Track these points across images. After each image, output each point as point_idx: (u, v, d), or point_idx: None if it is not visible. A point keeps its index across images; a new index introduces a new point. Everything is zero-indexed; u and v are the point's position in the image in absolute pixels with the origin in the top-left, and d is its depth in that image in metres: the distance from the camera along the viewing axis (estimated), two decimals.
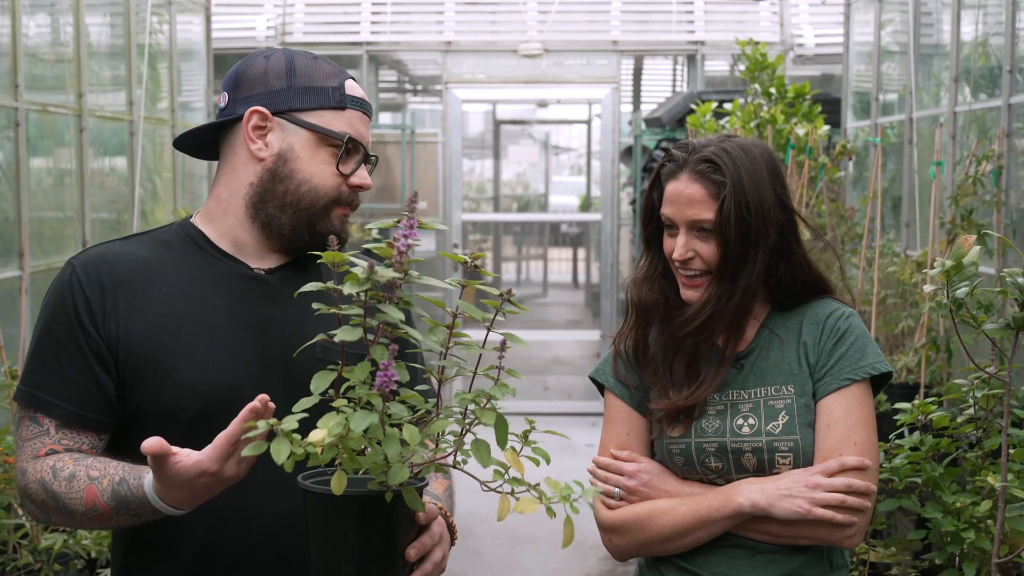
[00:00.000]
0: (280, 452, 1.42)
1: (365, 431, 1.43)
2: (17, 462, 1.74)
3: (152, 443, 1.49)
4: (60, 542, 3.47)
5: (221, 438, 1.51)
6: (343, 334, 1.47)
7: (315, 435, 1.44)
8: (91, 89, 5.70)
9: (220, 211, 1.85)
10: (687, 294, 1.99)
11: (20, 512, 3.58)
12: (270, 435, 1.45)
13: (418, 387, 1.59)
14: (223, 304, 1.79)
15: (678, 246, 1.97)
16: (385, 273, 1.48)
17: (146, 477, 1.59)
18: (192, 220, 1.88)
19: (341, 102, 1.81)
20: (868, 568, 3.27)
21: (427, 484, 1.60)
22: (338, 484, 1.46)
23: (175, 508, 1.59)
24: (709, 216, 1.94)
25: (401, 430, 1.47)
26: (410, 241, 1.49)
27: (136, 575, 1.81)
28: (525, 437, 1.55)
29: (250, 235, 1.84)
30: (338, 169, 1.81)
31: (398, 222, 1.51)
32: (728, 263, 1.94)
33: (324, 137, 1.81)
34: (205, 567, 1.76)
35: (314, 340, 1.57)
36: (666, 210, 1.99)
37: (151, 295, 1.77)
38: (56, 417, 1.72)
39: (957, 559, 2.69)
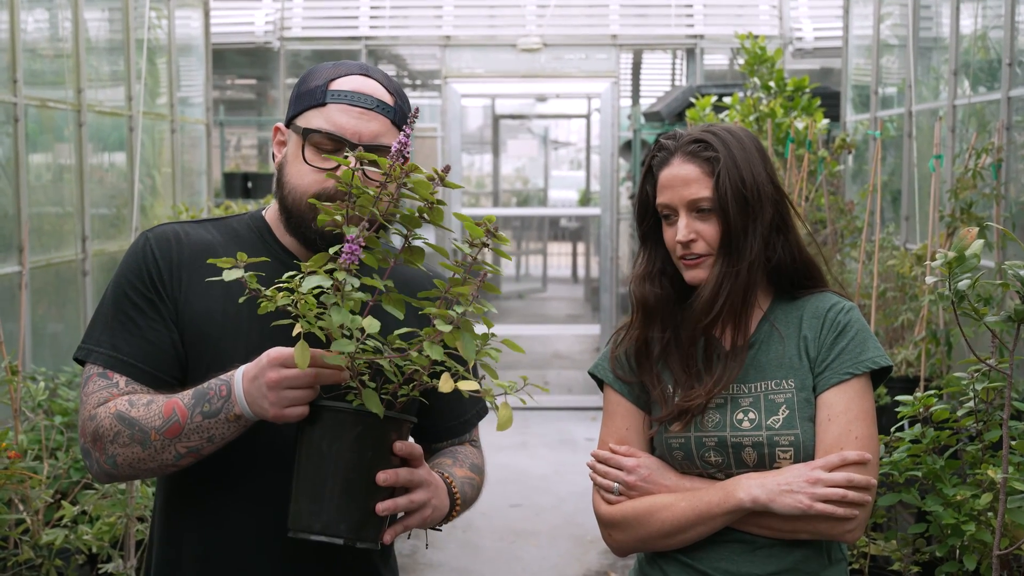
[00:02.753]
0: (231, 273, 1.55)
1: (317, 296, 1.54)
2: (84, 412, 1.79)
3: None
4: (61, 537, 3.47)
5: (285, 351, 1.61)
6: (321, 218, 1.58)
7: (271, 288, 1.56)
8: (90, 84, 5.69)
9: (274, 208, 1.93)
10: (692, 275, 1.99)
11: (20, 507, 3.59)
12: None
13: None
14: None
15: (680, 227, 1.97)
16: (366, 156, 1.58)
17: (241, 367, 1.69)
18: (263, 212, 1.96)
19: (321, 98, 1.82)
20: (869, 561, 3.28)
21: (407, 418, 1.67)
22: (300, 356, 1.53)
23: (245, 397, 1.66)
24: (707, 193, 1.95)
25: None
26: (402, 147, 1.56)
27: (174, 517, 1.89)
28: (484, 340, 1.63)
29: (293, 240, 1.90)
30: (306, 162, 1.81)
31: (429, 179, 1.60)
32: (730, 240, 1.94)
33: (300, 136, 1.83)
34: (222, 542, 1.84)
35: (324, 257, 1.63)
36: (662, 198, 2.00)
37: (212, 277, 1.83)
38: (130, 375, 1.79)
39: (958, 552, 2.69)
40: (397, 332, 1.65)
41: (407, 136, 1.57)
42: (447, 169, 1.60)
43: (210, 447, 1.72)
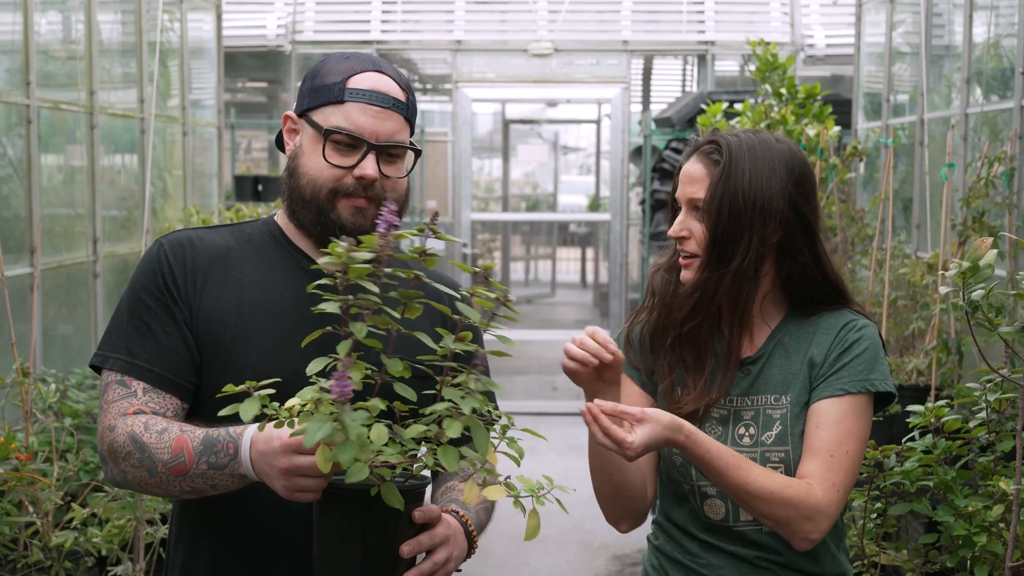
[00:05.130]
0: (247, 411, 1.49)
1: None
2: (103, 421, 1.80)
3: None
4: (71, 539, 3.47)
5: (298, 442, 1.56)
6: (325, 306, 1.51)
7: (291, 402, 1.50)
8: (102, 86, 5.71)
9: (285, 209, 1.94)
10: (682, 275, 2.00)
11: (30, 509, 3.59)
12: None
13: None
14: (291, 297, 1.86)
15: (675, 223, 2.00)
16: (360, 253, 1.52)
17: (252, 427, 1.67)
18: (275, 217, 1.97)
19: (340, 96, 1.85)
20: (879, 571, 3.26)
21: (424, 483, 1.64)
22: (323, 462, 1.49)
23: (250, 460, 1.65)
24: (703, 195, 1.95)
25: (370, 430, 1.50)
26: (390, 224, 1.54)
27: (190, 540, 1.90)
28: (503, 432, 1.59)
29: (298, 232, 1.92)
30: (325, 159, 1.83)
31: (419, 231, 1.57)
32: (715, 244, 1.93)
33: (318, 131, 1.85)
34: (239, 547, 1.84)
35: (319, 332, 1.60)
36: (677, 192, 2.02)
37: (226, 281, 1.86)
38: (147, 381, 1.80)
39: (969, 563, 2.68)
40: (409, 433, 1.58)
41: (392, 212, 1.56)
42: (435, 217, 1.60)
43: (213, 492, 1.73)
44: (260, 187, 8.79)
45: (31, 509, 3.59)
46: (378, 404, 1.54)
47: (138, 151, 6.19)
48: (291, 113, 1.93)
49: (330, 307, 1.52)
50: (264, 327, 1.84)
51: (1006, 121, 5.14)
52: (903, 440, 2.88)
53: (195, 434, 1.71)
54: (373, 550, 1.59)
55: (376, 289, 1.53)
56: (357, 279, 1.52)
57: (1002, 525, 2.62)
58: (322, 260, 1.51)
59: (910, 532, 4.13)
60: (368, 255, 1.52)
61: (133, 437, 1.74)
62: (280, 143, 1.98)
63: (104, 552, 3.60)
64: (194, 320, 1.83)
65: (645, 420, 1.78)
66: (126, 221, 6.10)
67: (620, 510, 2.04)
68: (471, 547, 1.78)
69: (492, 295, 1.58)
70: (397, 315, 1.57)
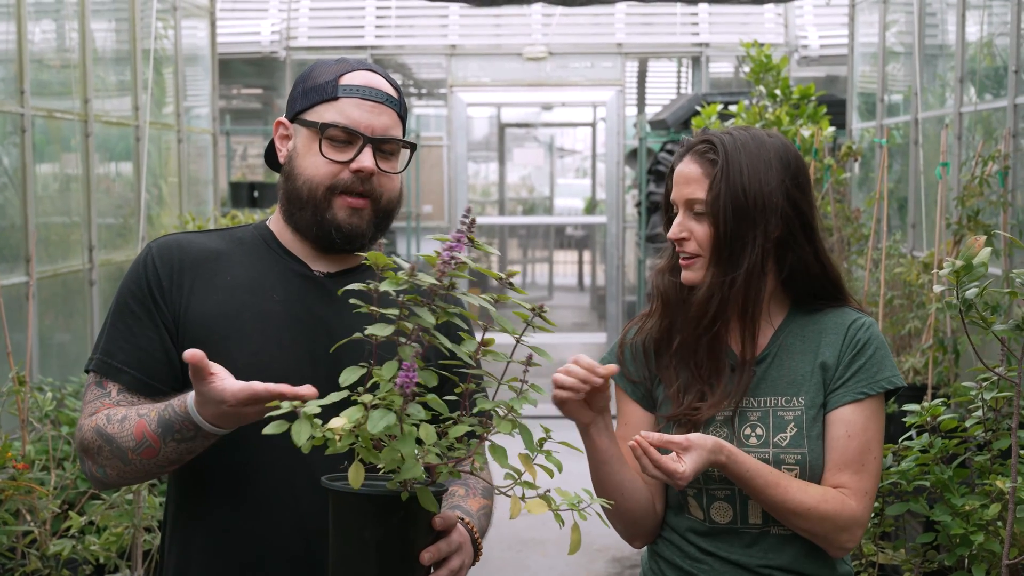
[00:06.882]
0: (300, 434, 1.47)
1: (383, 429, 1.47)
2: (79, 421, 1.83)
3: (191, 353, 1.59)
4: (69, 548, 3.47)
5: (250, 388, 1.58)
6: (375, 329, 1.51)
7: (335, 422, 1.49)
8: (97, 95, 5.71)
9: (278, 216, 1.95)
10: (684, 275, 1.98)
11: (28, 518, 3.59)
12: (293, 416, 1.50)
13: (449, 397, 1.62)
14: (280, 299, 1.87)
15: (674, 225, 1.98)
16: (425, 278, 1.53)
17: (189, 395, 1.68)
18: (267, 222, 1.98)
19: (333, 93, 1.86)
20: (877, 570, 3.26)
21: (445, 489, 1.64)
22: (355, 477, 1.50)
23: (212, 424, 1.66)
24: (701, 195, 1.94)
25: (418, 429, 1.50)
26: (455, 254, 1.54)
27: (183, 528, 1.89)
28: (540, 445, 1.59)
29: (293, 237, 1.92)
30: (322, 154, 1.84)
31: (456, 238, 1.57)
32: (723, 244, 1.92)
33: (313, 129, 1.86)
34: (231, 550, 1.83)
35: (352, 337, 1.60)
36: (672, 194, 2.01)
37: (215, 282, 1.87)
38: (123, 383, 1.82)
39: (966, 561, 2.69)
40: (453, 433, 1.58)
41: (458, 239, 1.54)
42: (472, 223, 1.58)
43: (192, 456, 1.74)
44: (256, 193, 8.79)
45: (28, 518, 3.59)
46: (438, 399, 1.55)
47: (133, 159, 6.18)
48: (283, 119, 1.94)
49: (379, 330, 1.51)
50: (253, 329, 1.84)
51: (1000, 120, 5.15)
52: (900, 439, 2.88)
53: (150, 417, 1.72)
54: (392, 556, 1.58)
55: (432, 320, 1.53)
56: (412, 303, 1.53)
57: (999, 523, 2.63)
58: (384, 285, 1.52)
59: (908, 531, 4.13)
60: (431, 280, 1.53)
61: (98, 430, 1.76)
62: (269, 159, 1.98)
63: (102, 560, 3.60)
64: (181, 322, 1.84)
65: (691, 447, 1.80)
66: (122, 229, 6.09)
67: (631, 528, 2.05)
68: (476, 554, 1.78)
69: (528, 306, 1.59)
70: (449, 344, 1.57)
